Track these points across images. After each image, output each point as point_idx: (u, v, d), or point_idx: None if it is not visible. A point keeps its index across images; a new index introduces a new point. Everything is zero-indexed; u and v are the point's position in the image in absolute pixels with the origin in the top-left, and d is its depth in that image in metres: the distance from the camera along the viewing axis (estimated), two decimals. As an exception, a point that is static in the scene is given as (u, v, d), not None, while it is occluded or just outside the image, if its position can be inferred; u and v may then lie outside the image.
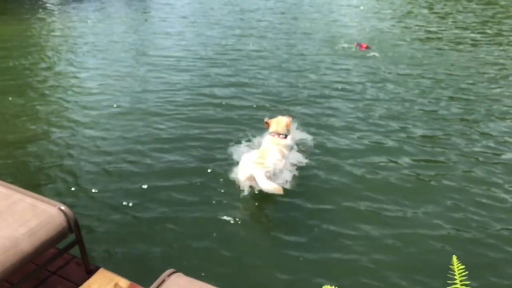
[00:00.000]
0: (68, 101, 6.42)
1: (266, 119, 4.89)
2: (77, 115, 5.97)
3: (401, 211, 4.09)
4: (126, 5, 13.90)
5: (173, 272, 2.19)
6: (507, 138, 5.48)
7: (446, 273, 1.40)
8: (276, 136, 4.64)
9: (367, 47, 9.07)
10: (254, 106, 6.24)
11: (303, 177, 4.50)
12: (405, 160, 4.94)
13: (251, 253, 3.59)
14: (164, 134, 5.42)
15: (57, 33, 10.43)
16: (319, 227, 3.87)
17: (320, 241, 3.72)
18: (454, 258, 1.36)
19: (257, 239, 3.78)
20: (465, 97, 6.73)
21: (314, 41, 9.77)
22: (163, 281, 2.12)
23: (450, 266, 1.32)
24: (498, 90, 7.00)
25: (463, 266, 1.31)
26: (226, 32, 10.50)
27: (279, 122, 4.78)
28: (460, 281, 1.27)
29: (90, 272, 2.74)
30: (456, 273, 1.29)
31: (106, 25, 11.20)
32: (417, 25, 11.41)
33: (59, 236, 2.45)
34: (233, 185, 4.29)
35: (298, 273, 3.37)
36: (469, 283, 1.24)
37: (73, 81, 7.30)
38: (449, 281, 1.30)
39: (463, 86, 7.17)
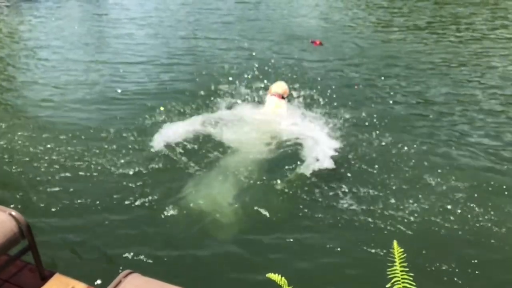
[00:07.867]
0: (13, 108, 6.19)
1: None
2: (26, 120, 5.76)
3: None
4: (79, 5, 13.43)
5: (130, 273, 2.18)
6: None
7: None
8: (276, 97, 5.63)
9: (320, 43, 9.27)
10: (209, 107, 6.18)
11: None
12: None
13: (209, 251, 3.63)
14: (116, 140, 5.22)
15: (5, 32, 10.02)
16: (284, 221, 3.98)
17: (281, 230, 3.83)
18: (395, 242, 1.46)
19: (217, 237, 3.79)
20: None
21: (270, 39, 9.82)
22: (119, 282, 2.11)
23: (391, 250, 1.43)
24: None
25: (401, 250, 1.41)
26: (182, 33, 10.35)
27: (278, 86, 5.82)
28: (399, 263, 1.38)
29: (44, 278, 2.68)
30: (396, 257, 1.39)
31: (58, 26, 10.77)
32: (372, 21, 11.72)
33: (10, 242, 2.39)
34: (191, 184, 4.33)
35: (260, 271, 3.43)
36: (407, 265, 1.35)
37: (21, 87, 7.05)
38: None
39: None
